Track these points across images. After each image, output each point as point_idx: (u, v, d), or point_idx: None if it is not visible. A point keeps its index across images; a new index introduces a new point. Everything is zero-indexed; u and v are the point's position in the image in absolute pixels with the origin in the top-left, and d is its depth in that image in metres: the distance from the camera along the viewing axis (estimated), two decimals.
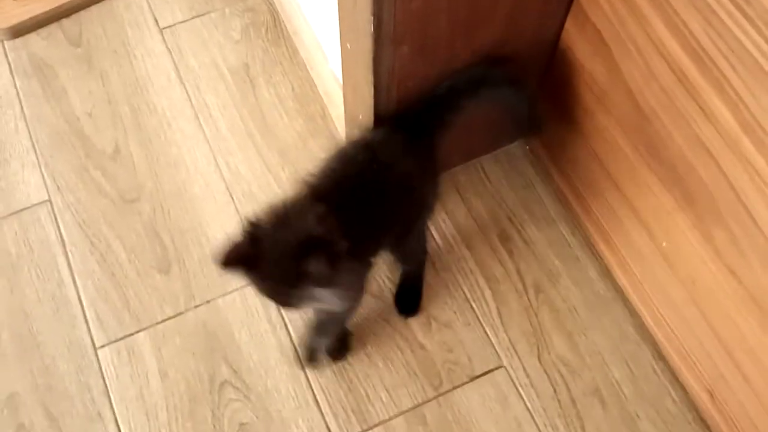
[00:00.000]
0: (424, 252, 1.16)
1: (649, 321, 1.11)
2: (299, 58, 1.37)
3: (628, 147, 0.98)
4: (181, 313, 1.17)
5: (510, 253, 1.21)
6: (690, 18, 0.78)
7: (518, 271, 1.20)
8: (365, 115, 1.03)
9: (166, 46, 1.39)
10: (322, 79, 1.32)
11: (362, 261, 0.95)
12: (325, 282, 0.81)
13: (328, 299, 0.86)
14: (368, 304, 1.16)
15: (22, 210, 1.25)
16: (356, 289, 0.98)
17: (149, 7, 1.43)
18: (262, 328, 1.16)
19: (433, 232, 1.22)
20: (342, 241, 0.80)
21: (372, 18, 0.80)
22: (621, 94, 0.94)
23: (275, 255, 0.81)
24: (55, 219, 1.24)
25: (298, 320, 1.16)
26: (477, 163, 1.28)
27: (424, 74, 0.95)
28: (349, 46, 0.93)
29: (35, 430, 1.09)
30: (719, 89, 0.78)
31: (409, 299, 1.16)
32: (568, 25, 0.97)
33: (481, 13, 0.90)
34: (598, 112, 0.99)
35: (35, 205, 1.25)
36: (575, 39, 0.98)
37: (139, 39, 1.40)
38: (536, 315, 1.17)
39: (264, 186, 1.27)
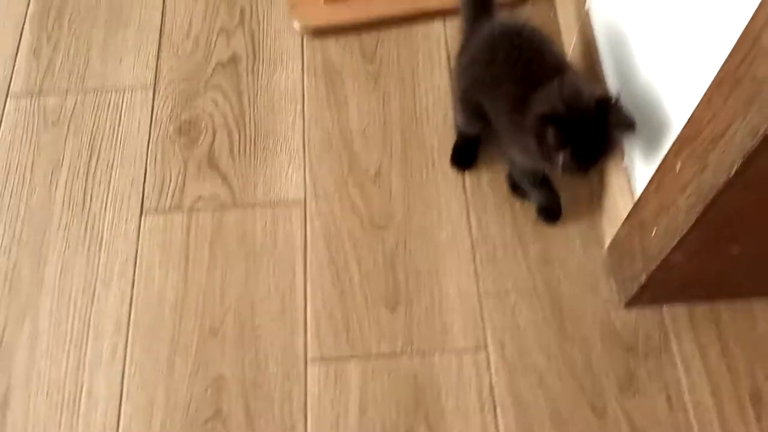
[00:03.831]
0: None
1: None
2: None
3: None
4: (395, 355, 1.15)
5: (758, 418, 1.08)
6: None
7: None
8: (655, 248, 0.97)
9: None
10: (613, 184, 1.20)
11: None
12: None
13: None
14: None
15: (278, 203, 1.28)
16: None
17: (445, 42, 1.43)
18: (470, 402, 1.11)
19: (678, 363, 1.12)
20: None
21: (738, 161, 0.73)
22: None
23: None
24: (305, 222, 1.26)
25: (509, 407, 1.10)
26: (748, 305, 1.16)
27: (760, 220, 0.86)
28: (678, 168, 0.86)
29: (231, 421, 1.10)
30: None
31: None
32: None
33: None
34: None
35: (291, 202, 1.28)
36: None
37: (428, 71, 1.40)
38: None
39: (509, 255, 1.22)
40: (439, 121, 1.35)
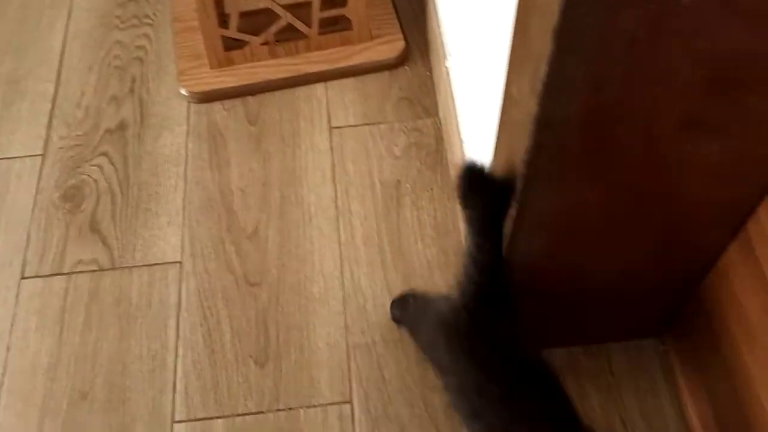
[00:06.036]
0: None
1: None
2: (449, 189, 1.35)
3: None
4: (262, 413, 1.16)
5: None
6: None
7: None
8: None
9: (331, 145, 1.43)
10: None
11: None
12: None
13: None
14: None
15: (154, 264, 1.31)
16: None
17: (327, 105, 1.48)
18: None
19: None
20: None
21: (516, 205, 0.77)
22: None
23: None
24: (180, 283, 1.28)
25: None
26: (604, 349, 1.18)
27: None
28: None
29: None
30: None
31: None
32: (732, 251, 0.88)
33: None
34: (745, 351, 0.88)
35: (167, 263, 1.30)
36: (735, 267, 0.88)
37: (308, 132, 1.45)
38: None
39: (378, 307, 1.25)
40: (318, 179, 1.39)
